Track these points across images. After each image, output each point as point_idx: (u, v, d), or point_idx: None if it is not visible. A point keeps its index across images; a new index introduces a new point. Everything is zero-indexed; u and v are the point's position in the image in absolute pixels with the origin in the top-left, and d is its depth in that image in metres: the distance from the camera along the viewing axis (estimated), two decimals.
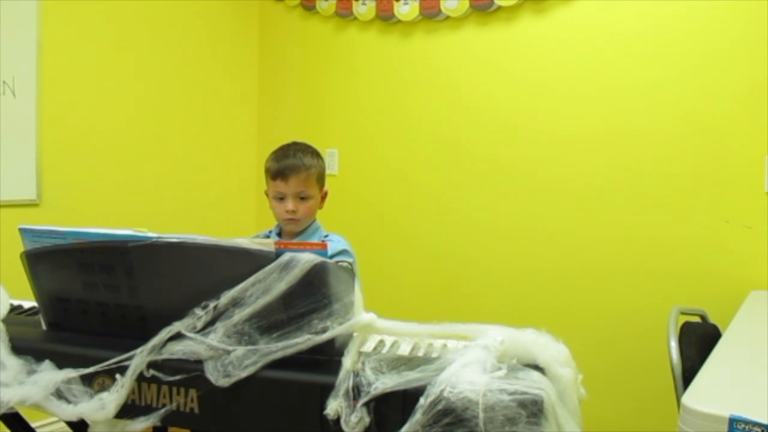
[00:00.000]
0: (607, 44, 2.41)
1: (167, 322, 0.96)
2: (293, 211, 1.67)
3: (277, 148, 1.75)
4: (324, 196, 1.75)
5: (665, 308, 1.83)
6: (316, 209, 1.74)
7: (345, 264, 1.63)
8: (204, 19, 3.10)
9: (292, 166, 1.67)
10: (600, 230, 2.43)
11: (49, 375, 0.98)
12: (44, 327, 1.12)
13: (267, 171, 1.72)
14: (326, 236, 1.72)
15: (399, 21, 2.85)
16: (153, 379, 0.95)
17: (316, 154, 1.74)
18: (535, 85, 2.56)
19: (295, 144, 1.75)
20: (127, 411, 0.95)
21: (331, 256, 1.63)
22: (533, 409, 0.79)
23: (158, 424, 0.95)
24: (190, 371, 0.93)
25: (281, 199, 1.68)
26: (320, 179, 1.73)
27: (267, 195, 1.74)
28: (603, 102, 2.42)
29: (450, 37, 2.76)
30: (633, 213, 2.37)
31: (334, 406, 0.85)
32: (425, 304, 2.80)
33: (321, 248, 0.95)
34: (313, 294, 0.92)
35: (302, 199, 1.68)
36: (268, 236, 1.76)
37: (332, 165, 3.01)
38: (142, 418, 0.95)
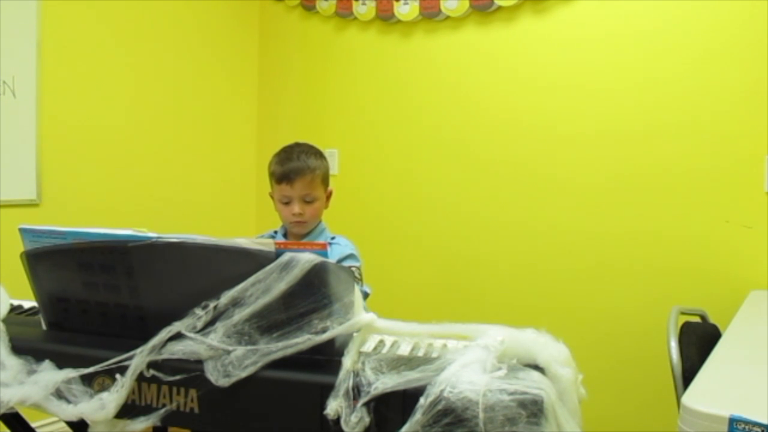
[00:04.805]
0: (607, 44, 2.41)
1: (167, 322, 0.96)
2: (300, 214, 1.67)
3: (280, 150, 1.74)
4: (329, 196, 1.75)
5: (665, 308, 1.83)
6: (322, 210, 1.74)
7: (354, 270, 1.63)
8: (204, 19, 3.10)
9: (297, 169, 1.66)
10: (600, 230, 2.43)
11: (49, 375, 0.98)
12: (44, 327, 1.12)
13: (271, 175, 1.71)
14: (333, 238, 1.72)
15: (399, 21, 2.85)
16: (153, 379, 0.95)
17: (319, 154, 1.74)
18: (535, 85, 2.56)
19: (298, 145, 1.74)
20: (127, 411, 0.95)
21: (339, 261, 1.63)
22: (533, 409, 0.79)
23: (158, 424, 0.96)
24: (190, 371, 0.93)
25: (287, 202, 1.68)
26: (325, 180, 1.73)
27: (272, 197, 1.74)
28: (603, 102, 2.42)
29: (450, 37, 2.76)
30: (633, 213, 2.37)
31: (334, 406, 0.85)
32: (425, 304, 2.80)
33: (321, 248, 0.95)
34: (313, 294, 0.92)
35: (308, 201, 1.68)
36: (273, 237, 1.76)
37: (332, 165, 3.00)
38: (142, 418, 0.95)
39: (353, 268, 1.63)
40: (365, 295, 1.61)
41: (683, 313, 1.84)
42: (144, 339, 0.96)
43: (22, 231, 1.08)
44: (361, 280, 1.65)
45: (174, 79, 2.98)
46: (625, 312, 2.38)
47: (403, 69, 2.88)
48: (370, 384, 0.86)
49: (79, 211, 2.59)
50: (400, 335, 1.01)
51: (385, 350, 1.00)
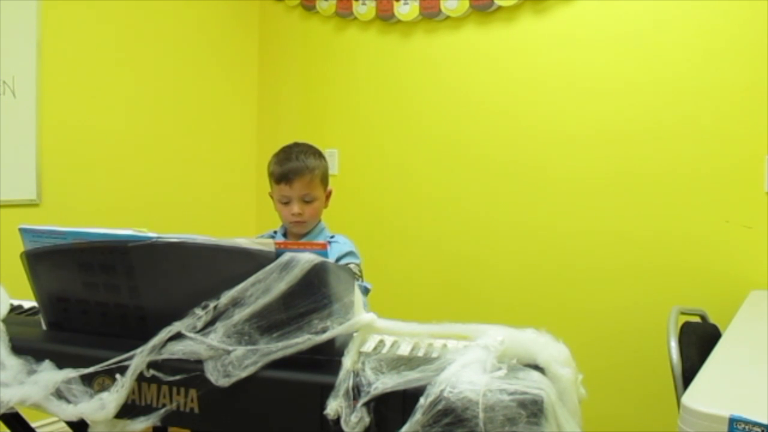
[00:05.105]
0: (607, 44, 2.41)
1: (167, 322, 0.96)
2: (299, 214, 1.67)
3: (279, 150, 1.74)
4: (328, 195, 1.75)
5: (665, 308, 1.83)
6: (322, 209, 1.74)
7: (353, 267, 1.63)
8: (204, 19, 3.10)
9: (296, 169, 1.66)
10: (600, 230, 2.43)
11: (49, 375, 0.98)
12: (44, 327, 1.12)
13: (270, 175, 1.71)
14: (332, 237, 1.73)
15: (399, 21, 2.85)
16: (153, 379, 0.95)
17: (318, 154, 1.74)
18: (535, 85, 2.56)
19: (297, 145, 1.74)
20: (127, 411, 0.95)
21: (338, 258, 1.64)
22: (533, 409, 0.79)
23: (158, 424, 0.95)
24: (190, 371, 0.93)
25: (286, 202, 1.68)
26: (324, 179, 1.73)
27: (271, 197, 1.74)
28: (603, 101, 2.42)
29: (450, 37, 2.76)
30: (633, 213, 2.37)
31: (334, 406, 0.85)
32: (425, 304, 2.80)
33: (321, 248, 0.95)
34: (313, 294, 0.92)
35: (307, 201, 1.68)
36: (273, 236, 1.76)
37: (332, 165, 3.00)
38: (142, 418, 0.95)
39: (353, 265, 1.64)
40: (366, 291, 1.62)
41: (683, 313, 1.84)
42: (144, 339, 0.96)
43: (22, 231, 1.08)
44: (361, 276, 1.66)
45: (174, 79, 2.98)
46: (625, 312, 2.38)
47: (403, 69, 2.88)
48: (370, 384, 0.86)
49: (79, 211, 2.59)
50: (400, 335, 1.01)
51: (385, 350, 1.00)
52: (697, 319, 1.91)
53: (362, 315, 0.95)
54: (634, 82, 2.36)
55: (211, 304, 0.95)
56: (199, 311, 0.96)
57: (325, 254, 0.94)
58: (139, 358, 0.94)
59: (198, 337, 0.94)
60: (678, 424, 0.97)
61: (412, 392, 0.84)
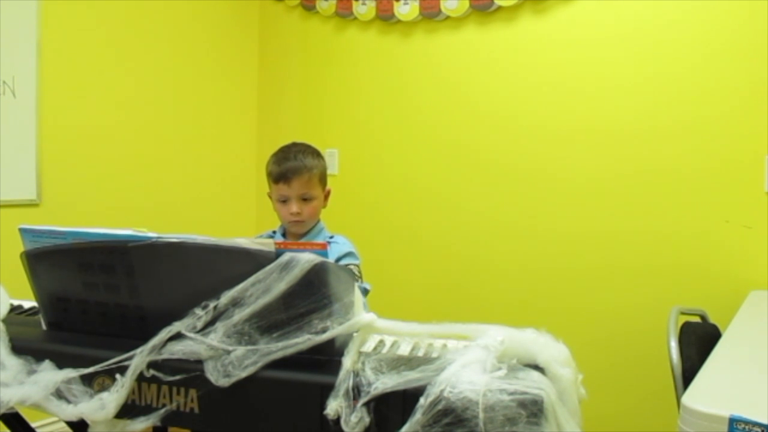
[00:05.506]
0: (607, 44, 2.41)
1: (167, 322, 0.96)
2: (298, 213, 1.67)
3: (278, 150, 1.75)
4: (327, 195, 1.76)
5: (665, 308, 1.83)
6: (320, 209, 1.74)
7: (353, 268, 1.63)
8: (204, 19, 3.10)
9: (294, 168, 1.67)
10: (600, 230, 2.43)
11: (49, 375, 0.98)
12: (44, 327, 1.12)
13: (269, 174, 1.72)
14: (331, 237, 1.73)
15: (399, 21, 2.85)
16: (153, 379, 0.95)
17: (316, 154, 1.74)
18: (535, 85, 2.56)
19: (295, 145, 1.75)
20: (127, 411, 0.95)
21: (338, 259, 1.64)
22: (533, 409, 0.79)
23: (158, 424, 0.96)
24: (190, 371, 0.94)
25: (285, 201, 1.69)
26: (322, 179, 1.74)
27: (270, 197, 1.74)
28: (603, 102, 2.42)
29: (450, 37, 2.76)
30: (633, 213, 2.37)
31: (334, 406, 0.85)
32: (425, 304, 2.80)
33: (321, 248, 0.95)
34: (313, 294, 0.92)
35: (306, 200, 1.68)
36: (272, 236, 1.76)
37: (332, 165, 3.01)
38: (142, 418, 0.95)
39: (353, 266, 1.64)
40: (365, 292, 1.62)
41: (683, 313, 1.84)
42: (144, 339, 0.96)
43: (22, 231, 1.08)
44: (360, 277, 1.66)
45: (174, 79, 2.98)
46: (625, 312, 2.37)
47: (403, 69, 2.88)
48: (370, 384, 0.86)
49: (79, 211, 2.59)
50: (400, 335, 1.01)
51: (385, 350, 1.00)
52: (697, 319, 1.91)
53: (362, 315, 0.95)
54: (634, 82, 2.36)
55: (211, 304, 0.95)
56: (199, 311, 0.96)
57: (325, 254, 0.94)
58: (139, 358, 0.94)
59: (198, 337, 0.94)
60: (678, 424, 0.97)
61: (412, 392, 0.84)
